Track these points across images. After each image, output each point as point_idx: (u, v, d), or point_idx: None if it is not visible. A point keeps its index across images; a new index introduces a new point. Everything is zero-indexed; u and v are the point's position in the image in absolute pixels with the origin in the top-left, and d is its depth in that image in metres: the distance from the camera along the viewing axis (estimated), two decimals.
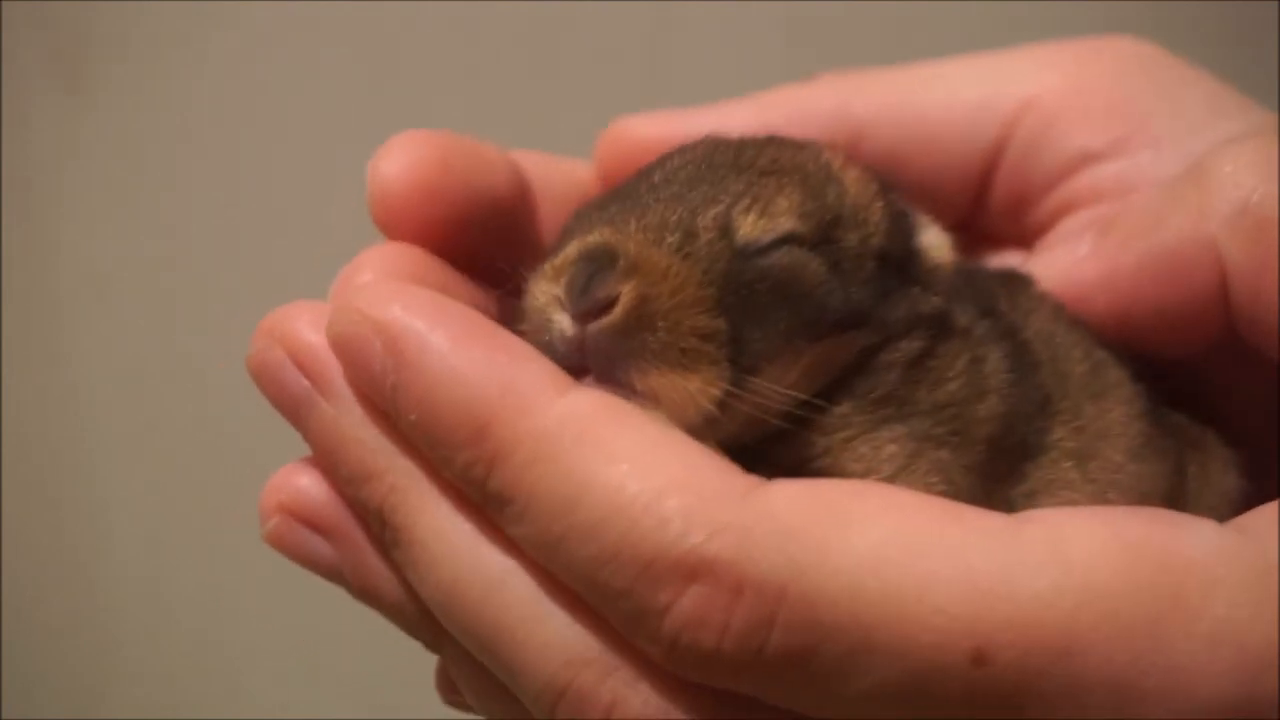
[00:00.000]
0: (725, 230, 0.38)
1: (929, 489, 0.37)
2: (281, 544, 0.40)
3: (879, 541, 0.31)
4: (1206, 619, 0.30)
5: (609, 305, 0.36)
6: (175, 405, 1.05)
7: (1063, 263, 0.43)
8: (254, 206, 1.00)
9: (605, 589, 0.33)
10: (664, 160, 0.42)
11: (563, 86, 0.96)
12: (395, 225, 0.43)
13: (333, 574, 0.40)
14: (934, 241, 0.42)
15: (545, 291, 0.38)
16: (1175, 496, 0.42)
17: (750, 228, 0.38)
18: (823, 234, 0.39)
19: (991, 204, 0.48)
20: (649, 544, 0.32)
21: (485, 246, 0.43)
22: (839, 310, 0.39)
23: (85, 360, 1.07)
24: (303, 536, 0.40)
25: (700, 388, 0.36)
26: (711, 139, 0.43)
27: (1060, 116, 0.46)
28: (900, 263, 0.41)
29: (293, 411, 0.39)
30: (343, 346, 0.37)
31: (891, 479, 0.37)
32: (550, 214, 0.46)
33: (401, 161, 0.42)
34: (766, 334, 0.37)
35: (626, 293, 0.36)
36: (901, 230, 0.42)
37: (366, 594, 0.39)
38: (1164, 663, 0.30)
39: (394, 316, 0.36)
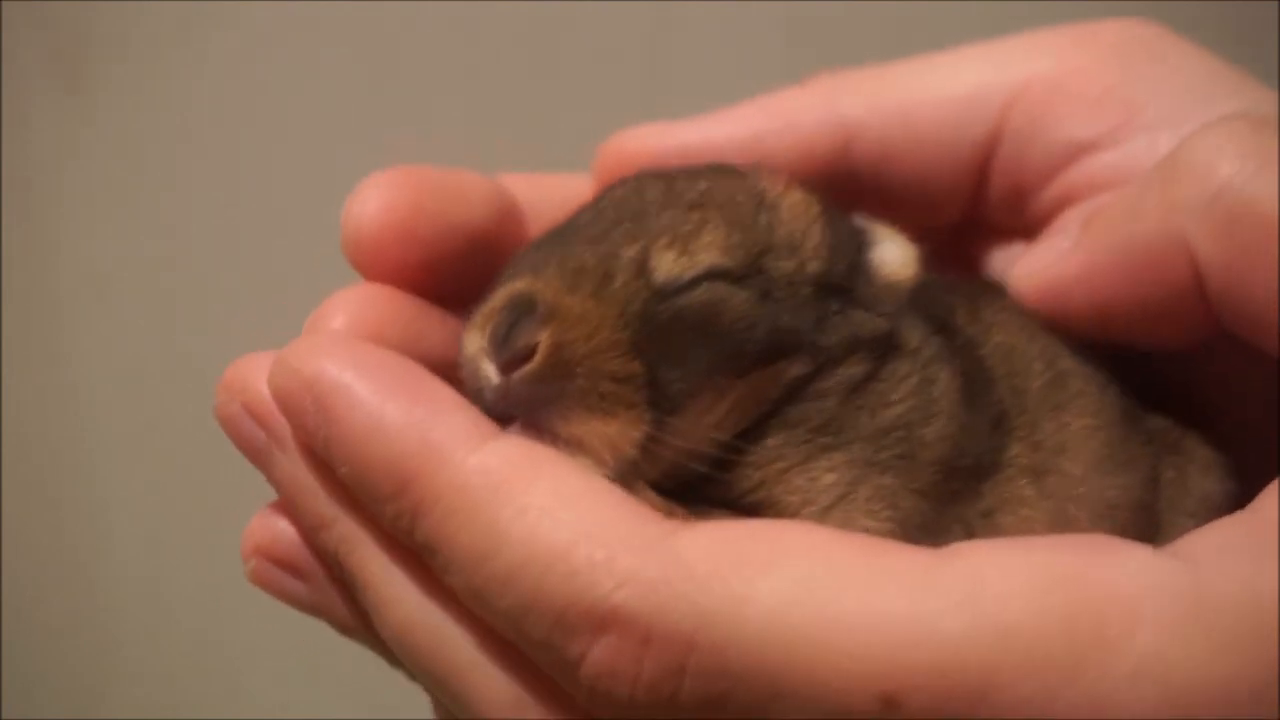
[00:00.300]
0: (642, 270, 0.38)
1: (872, 516, 0.37)
2: (261, 584, 0.41)
3: (788, 587, 0.31)
4: (1129, 655, 0.30)
5: (530, 353, 0.36)
6: (175, 405, 1.05)
7: (1047, 258, 0.42)
8: (254, 207, 1.00)
9: (527, 639, 0.33)
10: (598, 198, 0.42)
11: (563, 87, 0.96)
12: (370, 268, 0.43)
13: (313, 611, 0.41)
14: (891, 258, 0.41)
15: (474, 341, 0.38)
16: (1146, 505, 0.41)
17: (670, 266, 0.38)
18: (752, 265, 0.39)
19: (991, 198, 0.47)
20: (559, 595, 0.32)
21: (468, 278, 0.43)
22: (764, 342, 0.38)
23: (85, 360, 1.07)
24: (279, 577, 0.41)
25: (620, 432, 0.36)
26: (647, 173, 0.43)
27: (1051, 106, 0.45)
28: (843, 286, 0.40)
29: (255, 461, 0.40)
30: (281, 402, 0.38)
31: (830, 509, 0.37)
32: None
33: (374, 205, 0.43)
34: (686, 373, 0.37)
35: (543, 340, 0.36)
36: (845, 252, 0.41)
37: (346, 631, 0.40)
38: (1085, 702, 0.29)
39: (321, 372, 0.36)
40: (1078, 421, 0.41)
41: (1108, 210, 0.40)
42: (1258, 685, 0.29)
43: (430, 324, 0.43)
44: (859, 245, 0.41)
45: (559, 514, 0.33)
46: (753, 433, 0.38)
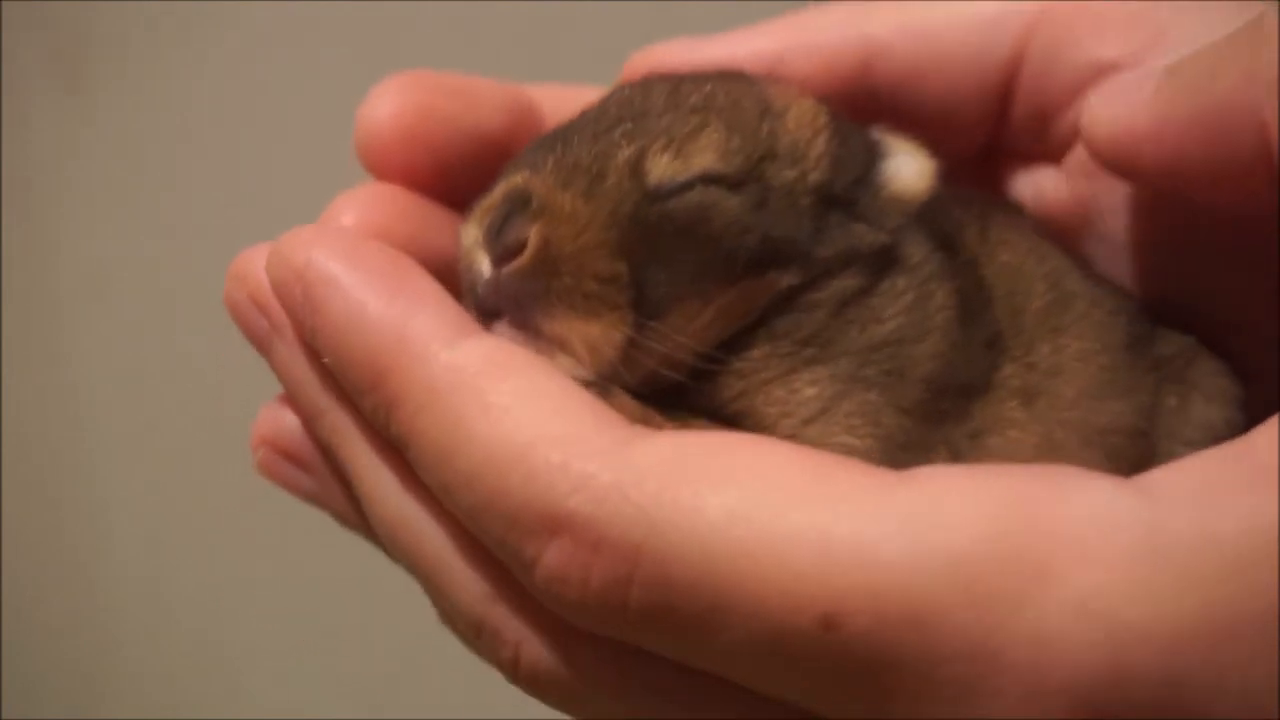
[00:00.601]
0: (636, 171, 0.38)
1: (852, 432, 0.37)
2: (268, 474, 0.42)
3: (736, 502, 0.31)
4: (1076, 589, 0.29)
5: (521, 248, 0.36)
6: (175, 405, 1.05)
7: (1120, 107, 0.40)
8: (254, 206, 1.00)
9: (489, 537, 0.33)
10: (605, 98, 0.41)
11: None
12: (380, 170, 0.44)
13: (316, 502, 0.41)
14: (903, 172, 0.40)
15: (470, 233, 0.38)
16: (1143, 431, 0.40)
17: (664, 168, 0.38)
18: (750, 172, 0.38)
19: (1015, 120, 0.46)
20: (517, 496, 0.32)
21: (480, 182, 0.43)
22: (755, 250, 0.37)
23: (85, 360, 1.07)
24: (285, 468, 0.41)
25: (602, 333, 0.36)
26: (655, 76, 0.42)
27: (1074, 26, 0.44)
28: (846, 198, 0.40)
29: (259, 349, 0.40)
30: (275, 290, 0.39)
31: (809, 422, 0.37)
32: None
33: (384, 109, 0.44)
34: (672, 277, 0.37)
35: (532, 236, 0.36)
36: (852, 164, 0.40)
37: (346, 523, 0.41)
38: (1026, 634, 0.29)
39: (310, 261, 0.37)
40: (1076, 344, 0.40)
41: (1188, 65, 0.39)
42: (1207, 628, 0.29)
43: (439, 226, 0.43)
44: (871, 158, 0.41)
45: (522, 414, 0.33)
46: (739, 342, 0.38)
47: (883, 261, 0.39)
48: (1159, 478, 0.31)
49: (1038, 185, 0.47)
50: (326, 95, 0.99)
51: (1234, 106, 0.36)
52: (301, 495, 0.41)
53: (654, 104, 0.40)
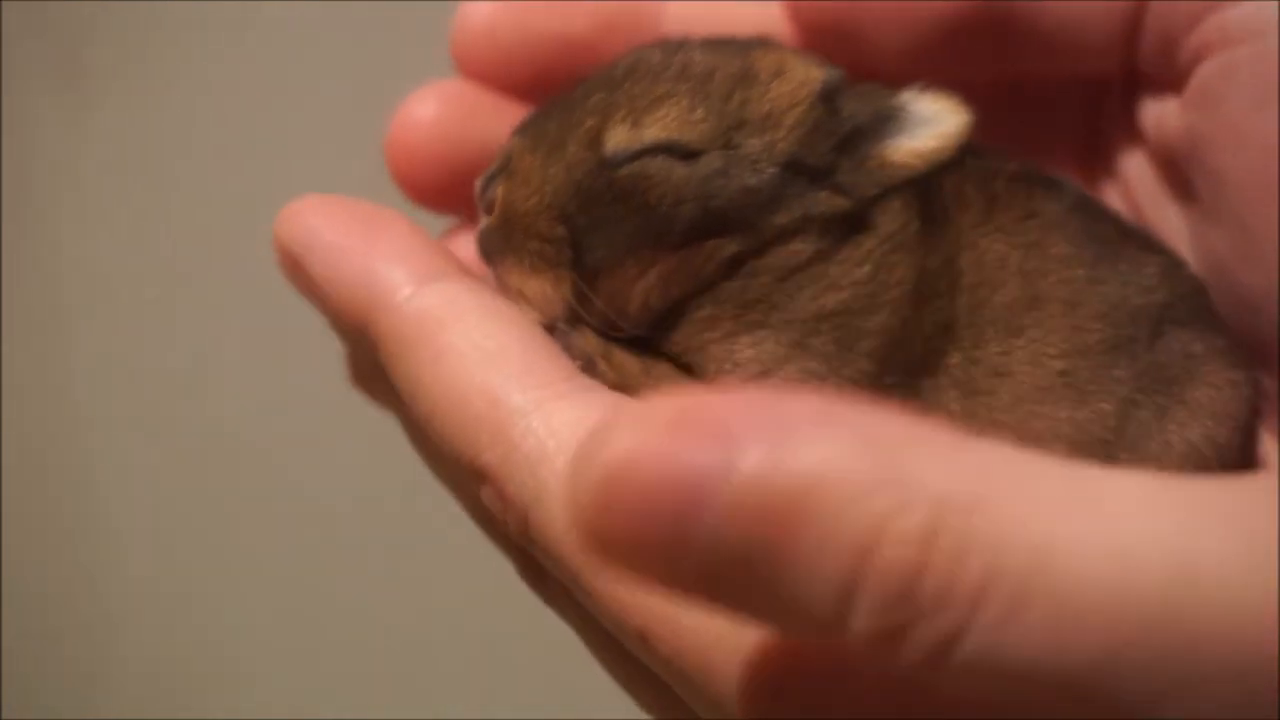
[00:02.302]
0: (594, 140, 0.39)
1: None
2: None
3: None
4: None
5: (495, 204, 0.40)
6: (175, 405, 1.05)
7: None
8: (255, 207, 1.00)
9: (458, 465, 0.37)
10: (614, 60, 0.42)
11: None
12: (466, 66, 0.47)
13: None
14: (910, 141, 0.40)
15: (479, 184, 0.41)
16: (1103, 440, 0.39)
17: (620, 138, 0.39)
18: (717, 141, 0.39)
19: (1145, 46, 0.45)
20: (455, 443, 0.35)
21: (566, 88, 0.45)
22: (690, 219, 0.38)
23: (85, 360, 1.07)
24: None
25: (543, 288, 0.39)
26: (660, 42, 0.43)
27: None
28: (819, 166, 0.40)
29: None
30: (280, 260, 0.41)
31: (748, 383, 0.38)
32: None
33: (483, 8, 0.46)
34: (610, 242, 0.39)
35: (499, 195, 0.40)
36: (835, 131, 0.40)
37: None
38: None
39: (292, 229, 0.40)
40: (1030, 347, 0.40)
41: None
42: None
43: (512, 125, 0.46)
44: (873, 125, 0.40)
45: (461, 367, 0.35)
46: (689, 305, 0.39)
47: (844, 228, 0.39)
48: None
49: (1161, 114, 0.46)
50: (329, 96, 0.99)
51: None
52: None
53: (638, 71, 0.41)
